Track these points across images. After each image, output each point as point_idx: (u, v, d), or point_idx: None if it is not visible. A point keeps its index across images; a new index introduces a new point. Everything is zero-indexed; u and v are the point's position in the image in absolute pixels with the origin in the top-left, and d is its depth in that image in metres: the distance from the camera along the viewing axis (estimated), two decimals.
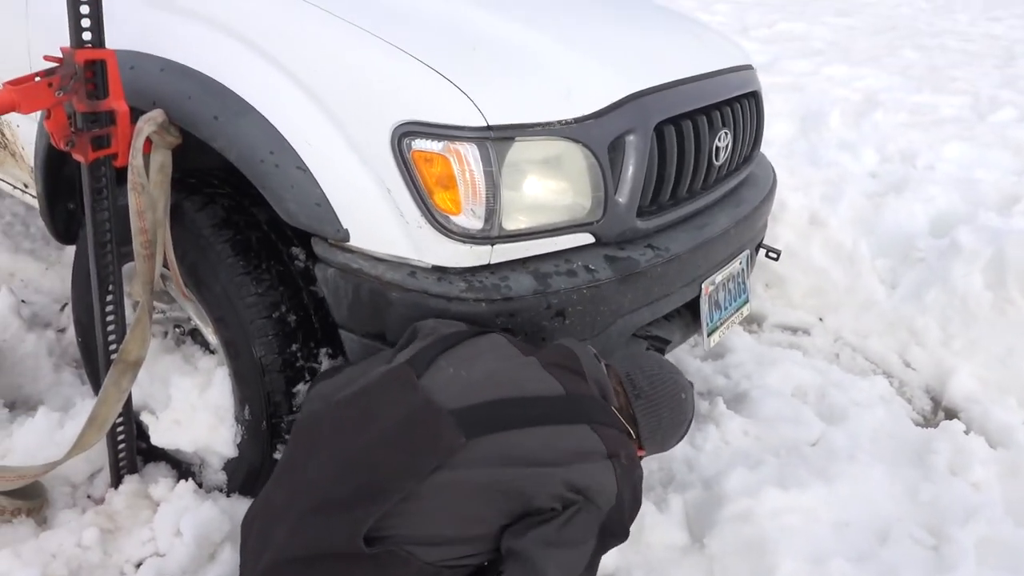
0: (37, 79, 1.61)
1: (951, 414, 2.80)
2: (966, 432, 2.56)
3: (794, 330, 3.32)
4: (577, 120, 1.73)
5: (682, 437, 1.77)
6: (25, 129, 2.26)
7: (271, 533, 1.42)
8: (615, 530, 1.49)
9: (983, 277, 3.15)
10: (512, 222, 1.69)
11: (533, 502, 1.40)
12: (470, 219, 1.64)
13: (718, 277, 2.22)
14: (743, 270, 2.41)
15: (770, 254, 2.78)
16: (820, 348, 3.20)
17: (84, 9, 1.59)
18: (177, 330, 2.12)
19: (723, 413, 2.53)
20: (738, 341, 3.03)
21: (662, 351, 1.99)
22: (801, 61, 6.37)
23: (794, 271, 3.51)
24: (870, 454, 2.40)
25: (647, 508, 2.11)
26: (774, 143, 4.50)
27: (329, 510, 1.36)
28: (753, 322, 3.35)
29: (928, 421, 2.81)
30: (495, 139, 1.61)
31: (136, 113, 1.71)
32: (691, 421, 1.77)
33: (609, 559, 1.92)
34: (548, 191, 1.77)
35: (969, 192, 4.03)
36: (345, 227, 1.66)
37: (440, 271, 1.67)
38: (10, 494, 1.87)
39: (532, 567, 1.35)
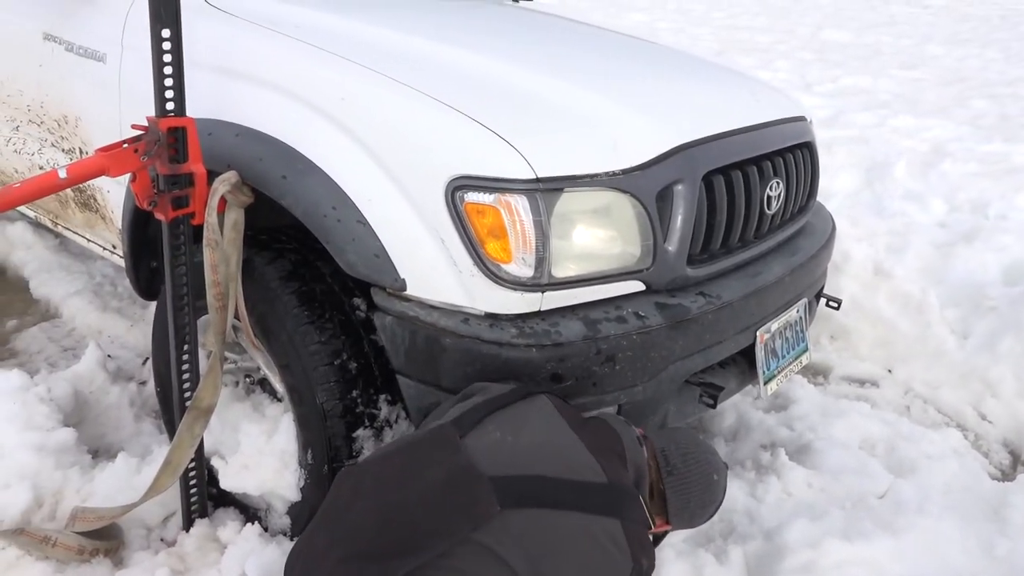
0: (125, 146, 1.75)
1: None
2: None
3: (861, 382, 3.26)
4: (624, 171, 1.79)
5: (710, 516, 1.79)
6: (114, 194, 2.44)
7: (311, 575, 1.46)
8: None
9: None
10: (562, 270, 1.75)
11: None
12: (521, 267, 1.70)
13: (774, 325, 2.22)
14: (801, 319, 2.40)
15: (831, 303, 2.76)
16: (889, 400, 3.12)
17: (168, 82, 1.73)
18: (247, 379, 2.22)
19: (785, 464, 2.49)
20: (802, 392, 2.99)
21: (715, 398, 1.99)
22: (866, 114, 6.32)
23: (860, 322, 3.45)
24: (942, 507, 2.32)
25: (706, 560, 2.09)
26: (838, 194, 4.47)
27: (365, 559, 1.38)
28: (819, 374, 3.29)
29: (1006, 475, 2.71)
30: (544, 190, 1.69)
31: (213, 175, 1.85)
32: (721, 502, 1.78)
33: None
34: (597, 240, 1.82)
35: None
36: (402, 277, 1.74)
37: (492, 318, 1.73)
38: (89, 535, 1.97)
39: None
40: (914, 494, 2.36)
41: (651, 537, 1.72)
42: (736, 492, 2.37)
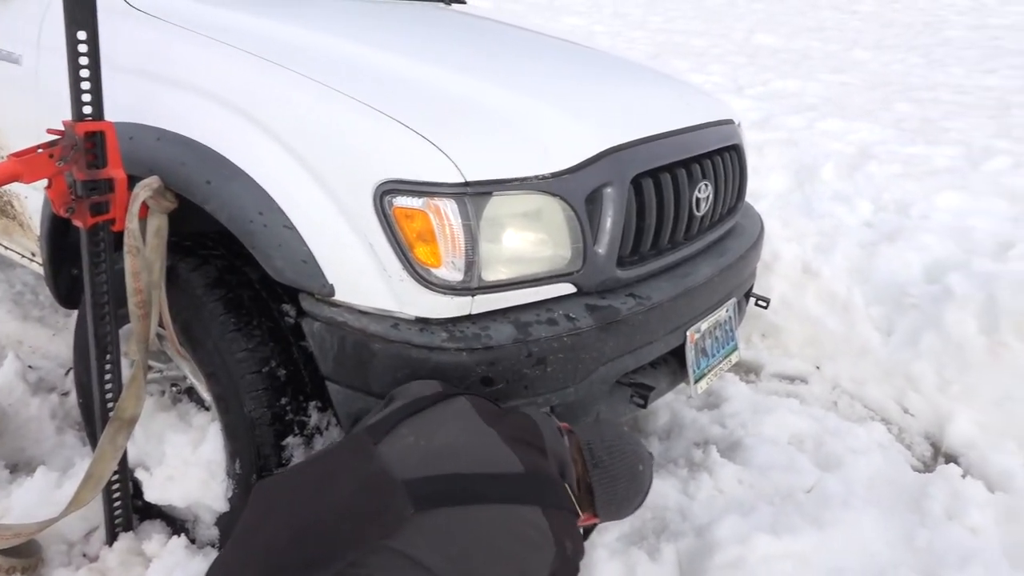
0: (39, 151, 1.70)
1: (951, 459, 2.80)
2: (964, 476, 2.55)
3: (791, 379, 3.34)
4: (554, 175, 1.80)
5: (637, 508, 1.80)
6: (32, 200, 2.36)
7: None
8: None
9: (977, 322, 3.17)
10: (492, 273, 1.75)
11: None
12: (450, 271, 1.70)
13: (704, 325, 2.26)
14: (731, 318, 2.45)
15: (760, 303, 2.83)
16: (817, 396, 3.21)
17: (85, 85, 1.69)
18: (174, 388, 2.17)
19: (716, 461, 2.54)
20: (734, 390, 3.05)
21: (646, 398, 2.02)
22: (795, 116, 6.48)
23: (790, 321, 3.54)
24: (865, 500, 2.40)
25: (639, 558, 2.12)
26: (768, 196, 4.57)
27: (279, 575, 1.36)
28: (750, 372, 3.37)
29: (927, 467, 2.80)
30: (473, 194, 1.69)
31: (134, 180, 1.80)
32: (647, 492, 1.79)
33: None
34: (527, 243, 1.83)
35: (963, 239, 4.07)
36: (331, 282, 1.72)
37: (422, 322, 1.73)
38: (6, 552, 1.90)
39: None
40: (840, 488, 2.43)
41: (581, 529, 1.73)
42: (669, 490, 2.41)
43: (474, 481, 1.46)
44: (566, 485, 1.59)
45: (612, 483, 1.69)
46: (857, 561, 2.14)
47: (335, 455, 1.55)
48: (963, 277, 3.34)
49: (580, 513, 1.63)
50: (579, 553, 1.56)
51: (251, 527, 1.48)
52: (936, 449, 2.91)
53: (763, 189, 4.67)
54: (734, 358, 2.46)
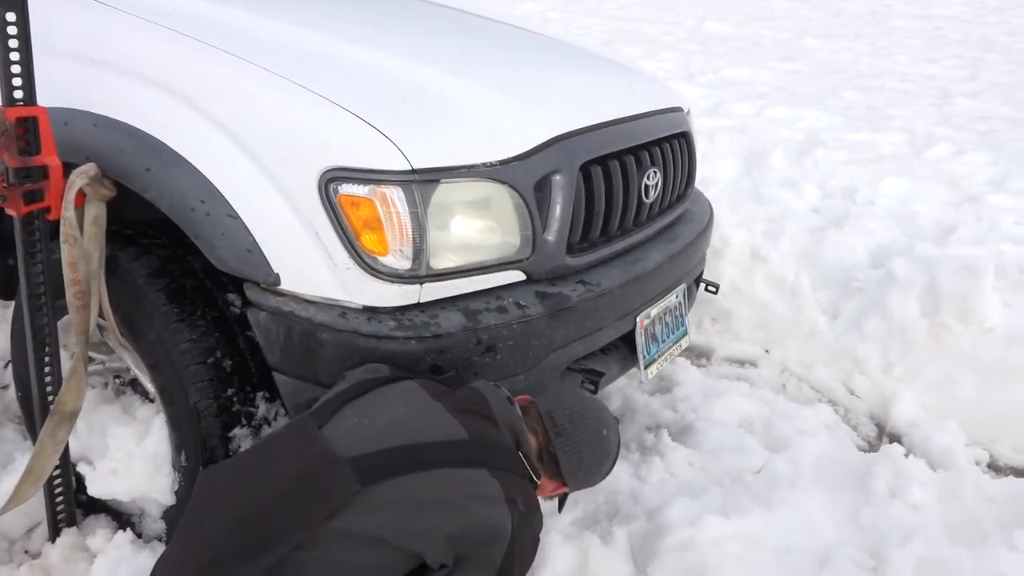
0: None
1: (894, 439, 2.87)
2: (906, 456, 2.61)
3: (741, 363, 3.39)
4: (501, 162, 1.79)
5: (607, 473, 1.80)
6: None
7: None
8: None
9: (919, 305, 3.25)
10: (441, 261, 1.74)
11: (426, 554, 1.40)
12: (398, 259, 1.68)
13: (653, 311, 2.27)
14: (680, 304, 2.47)
15: (709, 288, 2.86)
16: (767, 379, 3.26)
17: (15, 69, 1.63)
18: (117, 380, 2.12)
19: (668, 445, 2.57)
20: (685, 375, 3.09)
21: (596, 384, 2.03)
22: (745, 104, 6.56)
23: (739, 305, 3.59)
24: (812, 480, 2.45)
25: (592, 541, 2.13)
26: (718, 182, 4.62)
27: (222, 565, 1.35)
28: (701, 356, 3.41)
29: (872, 447, 2.87)
30: (420, 182, 1.67)
31: (70, 167, 1.75)
32: (616, 457, 1.80)
33: None
34: (475, 231, 1.82)
35: (907, 225, 4.17)
36: (276, 271, 1.70)
37: (370, 311, 1.71)
38: None
39: None
40: (788, 469, 2.48)
41: (557, 498, 1.77)
42: (621, 474, 2.43)
43: (419, 450, 1.46)
44: (519, 453, 1.59)
45: (576, 450, 1.69)
46: (805, 540, 2.18)
47: (279, 440, 1.54)
48: (906, 261, 3.41)
49: (536, 479, 1.62)
50: (535, 516, 1.56)
51: (195, 517, 1.46)
52: (881, 429, 2.98)
53: (713, 176, 4.72)
54: (684, 343, 2.49)
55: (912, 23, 13.64)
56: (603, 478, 1.81)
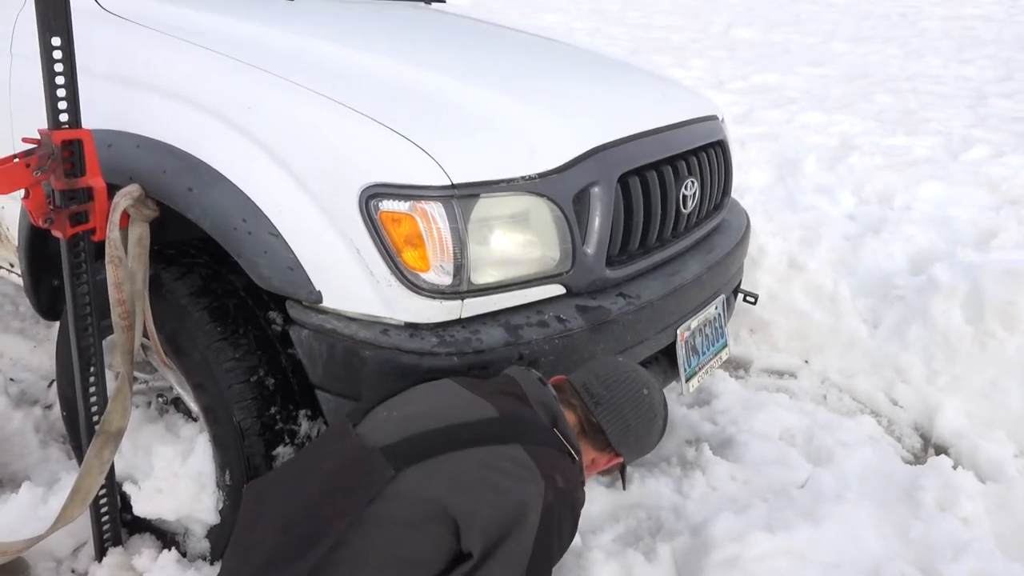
0: (15, 160, 1.66)
1: (941, 450, 2.81)
2: (954, 467, 2.56)
3: (780, 374, 3.34)
4: (540, 175, 1.78)
5: (661, 433, 1.74)
6: (9, 210, 2.31)
7: None
8: (545, 554, 1.45)
9: (962, 312, 3.18)
10: (481, 276, 1.73)
11: (462, 532, 1.39)
12: (439, 275, 1.68)
13: (693, 323, 2.25)
14: (720, 315, 2.44)
15: (748, 298, 2.83)
16: (807, 390, 3.21)
17: (60, 92, 1.65)
18: (160, 399, 2.14)
19: (709, 459, 2.54)
20: (724, 387, 3.05)
21: None
22: (776, 111, 6.51)
23: (777, 315, 3.54)
24: (859, 493, 2.40)
25: (635, 559, 2.10)
26: (751, 190, 4.58)
27: (276, 565, 1.37)
28: (739, 367, 3.37)
29: (918, 458, 2.81)
30: (460, 196, 1.66)
31: (114, 189, 1.77)
32: (666, 417, 1.74)
33: None
34: (516, 245, 1.81)
35: (945, 230, 4.10)
36: (318, 289, 1.70)
37: (412, 327, 1.70)
38: None
39: None
40: (832, 482, 2.43)
41: (619, 475, 1.74)
42: (663, 489, 2.41)
43: (448, 431, 1.47)
44: (555, 430, 1.56)
45: (619, 414, 1.65)
46: (853, 555, 2.13)
47: (318, 444, 1.58)
48: (947, 267, 3.34)
49: (576, 456, 1.59)
50: (576, 492, 1.52)
51: (245, 527, 1.49)
52: (926, 440, 2.92)
53: (746, 184, 4.68)
54: (724, 355, 2.46)
55: (942, 24, 13.48)
56: (658, 440, 1.75)
